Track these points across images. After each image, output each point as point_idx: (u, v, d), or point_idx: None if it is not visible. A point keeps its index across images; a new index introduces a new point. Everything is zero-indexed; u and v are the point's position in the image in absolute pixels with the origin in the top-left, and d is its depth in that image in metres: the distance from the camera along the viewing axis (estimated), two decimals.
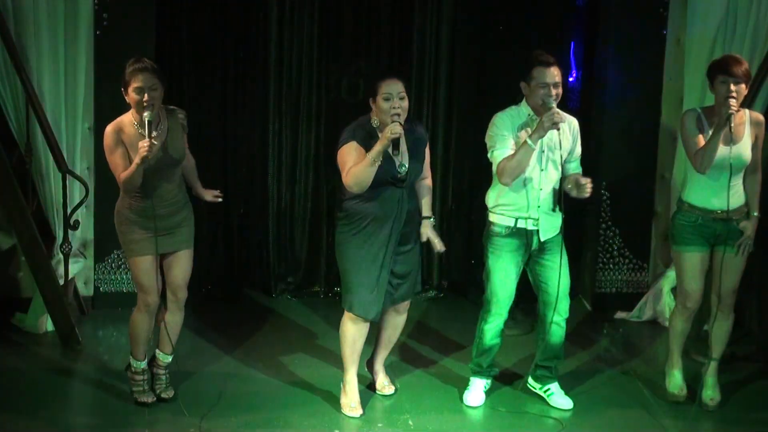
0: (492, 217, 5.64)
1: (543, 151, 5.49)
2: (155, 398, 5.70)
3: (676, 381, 5.89)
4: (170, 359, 5.79)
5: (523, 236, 5.60)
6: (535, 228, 5.56)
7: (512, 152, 5.43)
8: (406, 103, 5.38)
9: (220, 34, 7.25)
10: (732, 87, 5.41)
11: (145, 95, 5.32)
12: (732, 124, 5.37)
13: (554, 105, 5.39)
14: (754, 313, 6.72)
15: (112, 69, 6.62)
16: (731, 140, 5.44)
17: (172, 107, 5.56)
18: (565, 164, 5.58)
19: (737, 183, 5.60)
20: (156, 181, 5.43)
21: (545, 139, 5.44)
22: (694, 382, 5.96)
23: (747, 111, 5.64)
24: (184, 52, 7.15)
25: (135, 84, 5.33)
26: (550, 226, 5.58)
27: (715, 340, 5.84)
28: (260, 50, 7.31)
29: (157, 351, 5.78)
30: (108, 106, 5.69)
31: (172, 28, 7.10)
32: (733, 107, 5.36)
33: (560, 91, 5.44)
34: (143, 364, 5.71)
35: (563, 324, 5.74)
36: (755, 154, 5.59)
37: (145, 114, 5.30)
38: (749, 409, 5.85)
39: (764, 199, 5.80)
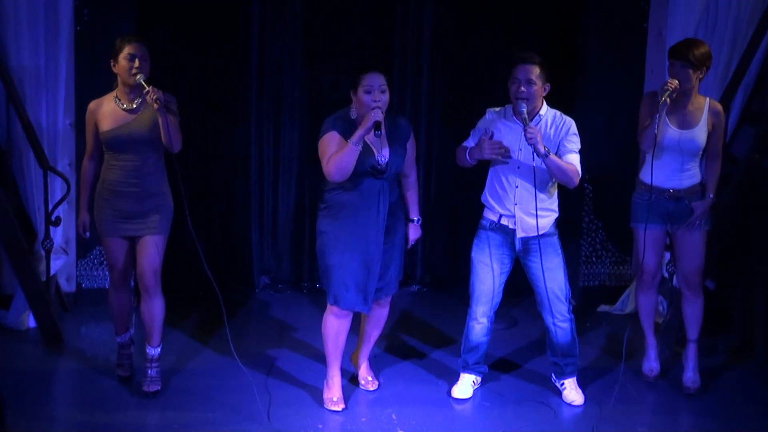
0: (484, 211, 5.70)
1: (521, 149, 5.48)
2: (130, 375, 5.89)
3: (649, 362, 6.06)
4: (155, 352, 5.76)
5: (507, 234, 5.62)
6: (515, 228, 5.59)
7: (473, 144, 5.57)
8: (386, 97, 5.37)
9: (201, 30, 7.23)
10: (677, 70, 5.56)
11: (136, 61, 5.42)
12: (668, 101, 5.47)
13: (525, 110, 5.37)
14: (737, 305, 6.73)
15: (92, 65, 6.63)
16: (682, 124, 5.60)
17: (162, 91, 5.53)
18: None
19: (692, 166, 5.72)
20: (123, 152, 5.51)
21: (521, 137, 5.42)
22: (672, 366, 6.03)
23: (707, 99, 5.73)
24: (166, 48, 7.11)
25: (127, 50, 5.44)
26: (527, 225, 5.57)
27: (689, 322, 5.94)
28: (242, 46, 7.30)
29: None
30: (89, 102, 5.68)
31: (153, 24, 7.07)
32: (669, 85, 5.49)
33: (535, 88, 5.41)
34: (122, 339, 5.93)
35: (563, 325, 5.73)
36: (715, 143, 5.72)
37: (139, 76, 5.41)
38: (732, 400, 5.87)
39: (748, 190, 5.84)
